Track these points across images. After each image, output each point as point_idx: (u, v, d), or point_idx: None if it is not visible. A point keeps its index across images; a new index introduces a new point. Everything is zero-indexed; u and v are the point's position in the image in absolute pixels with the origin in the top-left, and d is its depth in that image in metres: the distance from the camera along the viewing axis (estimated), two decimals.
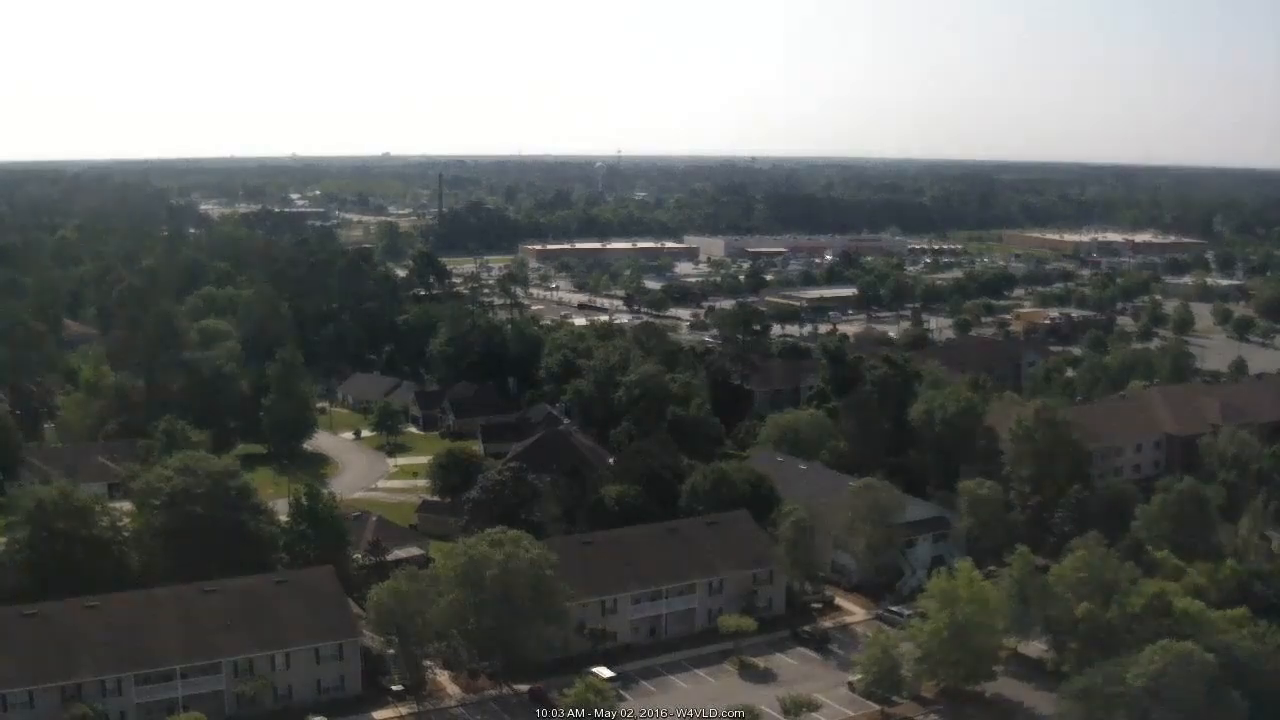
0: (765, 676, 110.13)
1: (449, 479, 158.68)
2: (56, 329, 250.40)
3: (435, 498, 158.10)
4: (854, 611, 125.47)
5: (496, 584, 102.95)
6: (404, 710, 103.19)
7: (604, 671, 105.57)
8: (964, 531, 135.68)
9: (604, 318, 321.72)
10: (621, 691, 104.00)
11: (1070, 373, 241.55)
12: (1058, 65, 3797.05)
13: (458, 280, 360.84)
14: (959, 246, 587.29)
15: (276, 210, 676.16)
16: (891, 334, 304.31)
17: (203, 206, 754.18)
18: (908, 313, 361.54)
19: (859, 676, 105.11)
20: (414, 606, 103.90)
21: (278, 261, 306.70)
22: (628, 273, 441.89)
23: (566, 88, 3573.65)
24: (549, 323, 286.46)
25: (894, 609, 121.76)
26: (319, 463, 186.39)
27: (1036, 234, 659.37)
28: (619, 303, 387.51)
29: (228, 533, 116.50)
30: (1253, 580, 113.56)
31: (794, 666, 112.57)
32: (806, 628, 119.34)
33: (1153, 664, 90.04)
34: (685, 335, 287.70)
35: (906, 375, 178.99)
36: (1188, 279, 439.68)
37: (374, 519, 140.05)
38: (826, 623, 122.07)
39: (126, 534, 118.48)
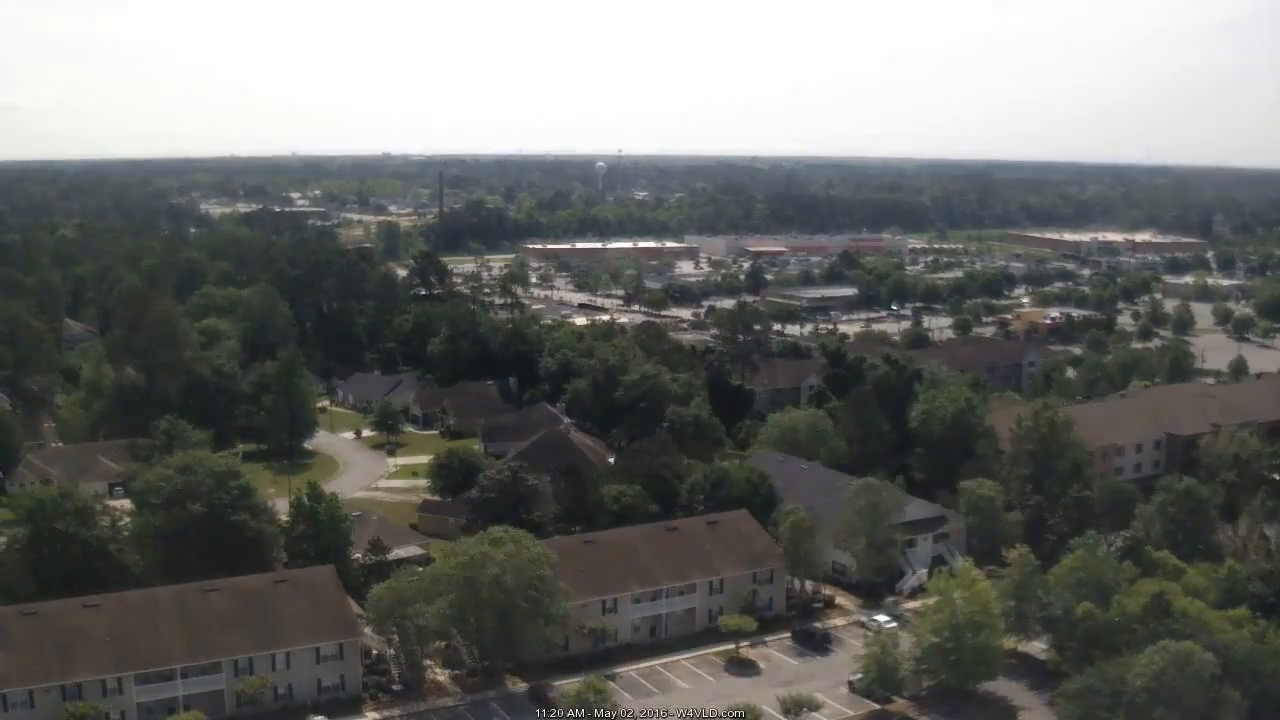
0: (765, 676, 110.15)
1: (449, 479, 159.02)
2: (56, 329, 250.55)
3: (435, 497, 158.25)
4: (854, 611, 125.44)
5: (496, 584, 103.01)
6: (404, 710, 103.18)
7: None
8: (964, 531, 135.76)
9: (604, 318, 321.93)
10: (622, 691, 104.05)
11: (1070, 372, 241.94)
12: (1058, 65, 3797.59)
13: (458, 280, 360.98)
14: (959, 246, 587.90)
15: (277, 210, 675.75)
16: (892, 334, 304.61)
17: (203, 206, 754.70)
18: (908, 312, 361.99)
19: (859, 676, 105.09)
20: (414, 606, 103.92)
21: (278, 261, 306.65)
22: (628, 273, 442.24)
23: (567, 87, 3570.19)
24: (549, 323, 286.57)
25: (877, 618, 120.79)
26: (319, 462, 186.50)
27: (1036, 234, 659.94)
28: (619, 303, 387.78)
29: (228, 533, 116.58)
30: (1252, 580, 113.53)
31: (794, 666, 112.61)
32: (806, 627, 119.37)
33: (1153, 664, 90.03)
34: (685, 335, 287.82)
35: (906, 375, 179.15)
36: (1188, 279, 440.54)
37: (375, 518, 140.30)
38: (826, 622, 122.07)
39: (126, 534, 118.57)
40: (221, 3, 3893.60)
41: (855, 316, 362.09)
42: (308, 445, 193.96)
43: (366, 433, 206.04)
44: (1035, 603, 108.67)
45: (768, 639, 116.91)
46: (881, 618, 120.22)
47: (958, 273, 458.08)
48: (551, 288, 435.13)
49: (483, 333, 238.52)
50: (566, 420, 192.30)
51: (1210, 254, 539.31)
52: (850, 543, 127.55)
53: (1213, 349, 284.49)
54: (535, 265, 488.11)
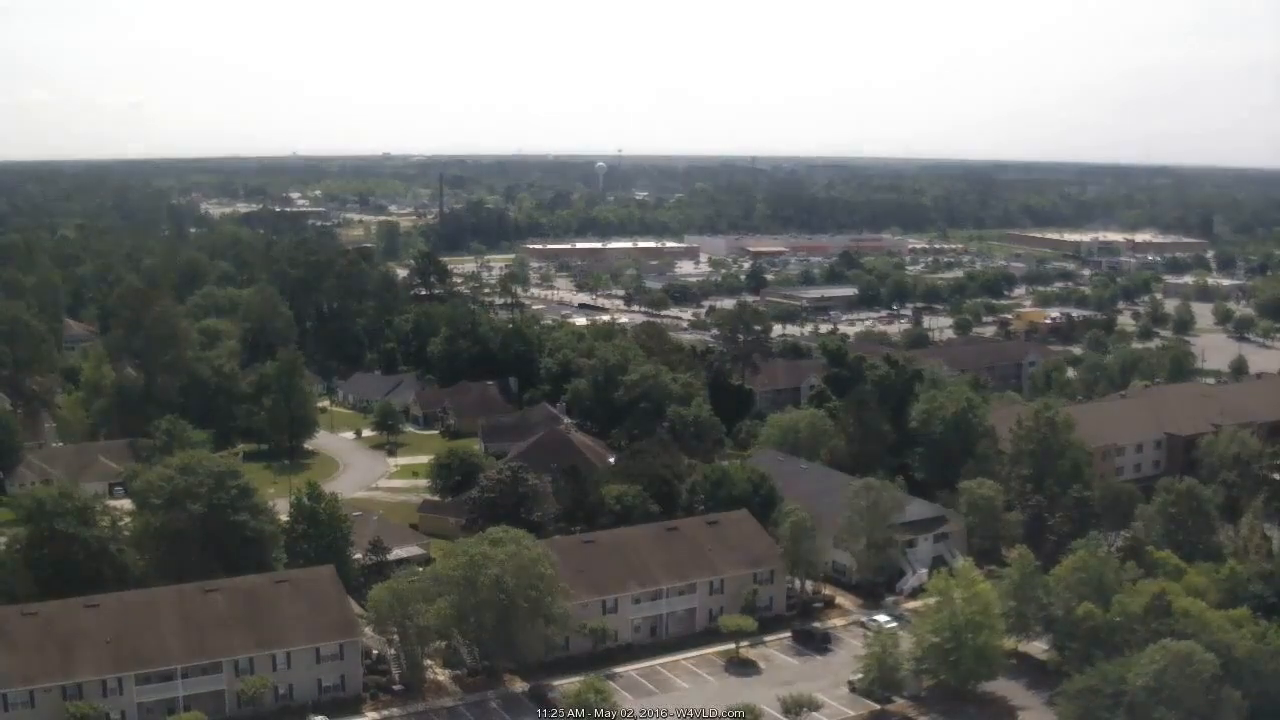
0: (765, 676, 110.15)
1: (449, 479, 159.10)
2: (56, 329, 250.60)
3: (435, 497, 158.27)
4: (854, 611, 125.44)
5: (497, 583, 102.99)
6: (404, 710, 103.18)
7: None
8: (964, 531, 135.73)
9: (604, 318, 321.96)
10: (622, 691, 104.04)
11: (1070, 372, 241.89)
12: (1058, 65, 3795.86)
13: (458, 280, 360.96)
14: (959, 246, 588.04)
15: (277, 210, 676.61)
16: (892, 334, 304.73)
17: (203, 206, 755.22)
18: (908, 312, 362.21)
19: (859, 676, 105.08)
20: (414, 606, 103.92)
21: (278, 261, 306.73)
22: (628, 272, 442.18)
23: (566, 88, 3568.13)
24: (549, 323, 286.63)
25: (877, 618, 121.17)
26: (319, 462, 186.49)
27: (1037, 234, 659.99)
28: (619, 303, 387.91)
29: (228, 533, 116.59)
30: (1253, 580, 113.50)
31: (794, 666, 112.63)
32: (806, 627, 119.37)
33: (1153, 664, 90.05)
34: (685, 335, 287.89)
35: (906, 375, 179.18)
36: (1188, 279, 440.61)
37: (375, 518, 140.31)
38: (826, 622, 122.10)
39: (126, 534, 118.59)
40: (222, 3, 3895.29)
41: (855, 316, 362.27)
42: (308, 445, 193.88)
43: (366, 433, 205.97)
44: (1035, 603, 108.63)
45: (768, 639, 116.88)
46: (881, 618, 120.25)
47: (958, 273, 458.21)
48: (552, 288, 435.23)
49: (483, 333, 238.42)
50: (566, 420, 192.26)
51: (1210, 254, 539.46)
52: (850, 543, 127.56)
53: (1213, 349, 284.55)
54: (535, 265, 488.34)
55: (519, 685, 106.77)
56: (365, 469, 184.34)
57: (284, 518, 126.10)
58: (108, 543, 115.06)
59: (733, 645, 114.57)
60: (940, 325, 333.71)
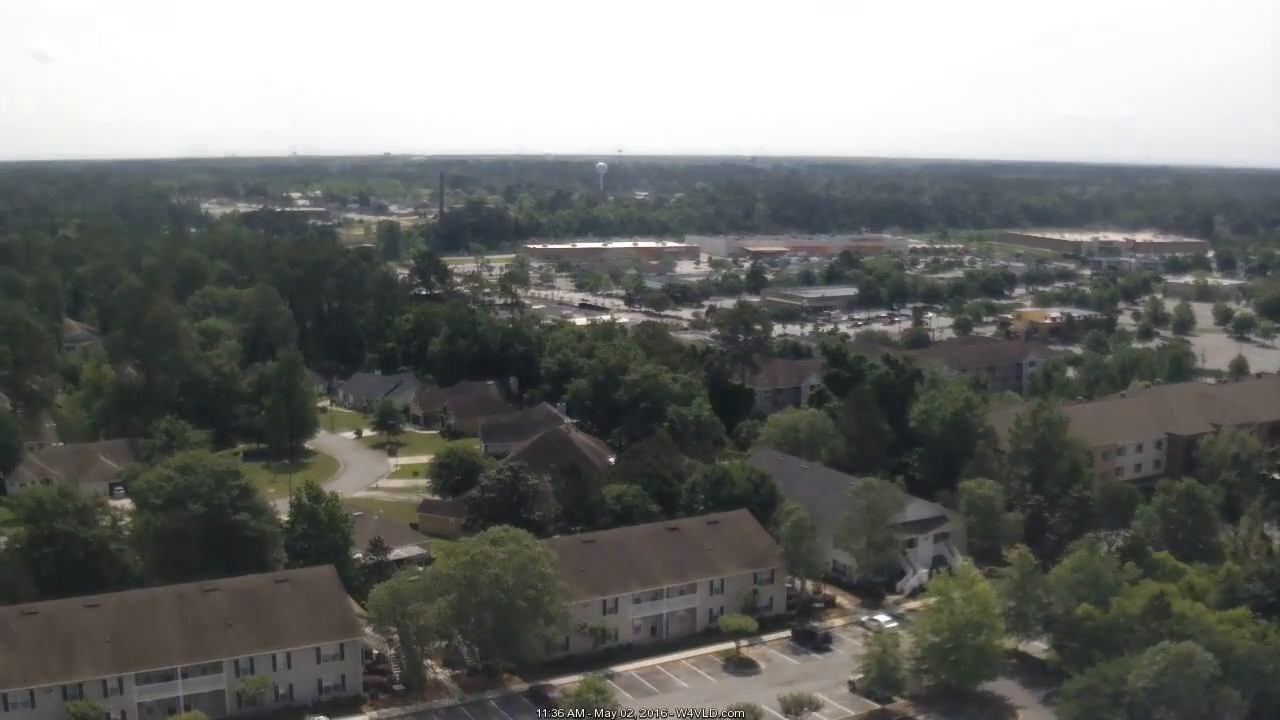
0: (766, 676, 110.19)
1: (450, 478, 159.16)
2: (56, 329, 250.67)
3: (436, 497, 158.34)
4: (854, 611, 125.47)
5: (497, 583, 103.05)
6: (404, 710, 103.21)
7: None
8: (964, 531, 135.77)
9: (604, 318, 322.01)
10: (622, 691, 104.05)
11: (1071, 372, 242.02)
12: (1058, 65, 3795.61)
13: (458, 280, 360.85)
14: (959, 246, 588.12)
15: (277, 209, 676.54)
16: (892, 334, 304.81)
17: (203, 206, 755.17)
18: (908, 312, 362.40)
19: (859, 676, 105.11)
20: (414, 606, 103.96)
21: (278, 261, 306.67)
22: (629, 273, 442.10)
23: (567, 87, 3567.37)
24: (549, 323, 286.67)
25: (877, 618, 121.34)
26: (319, 462, 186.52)
27: (1037, 234, 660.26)
28: (619, 303, 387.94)
29: (228, 533, 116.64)
30: (1253, 580, 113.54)
31: (794, 666, 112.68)
32: (807, 627, 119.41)
33: (1153, 664, 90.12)
34: (685, 335, 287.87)
35: (906, 375, 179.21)
36: (1188, 279, 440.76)
37: (375, 518, 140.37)
38: (826, 622, 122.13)
39: (126, 534, 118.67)
40: (222, 3, 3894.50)
41: (855, 316, 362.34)
42: (308, 445, 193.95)
43: (367, 433, 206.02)
44: (1035, 603, 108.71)
45: (768, 639, 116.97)
46: (882, 618, 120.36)
47: (958, 273, 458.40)
48: (552, 288, 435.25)
49: (483, 333, 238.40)
50: (567, 420, 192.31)
51: (1210, 254, 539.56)
52: (850, 543, 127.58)
53: (1213, 349, 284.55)
54: (535, 265, 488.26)
55: (519, 685, 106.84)
56: (365, 469, 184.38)
57: (284, 518, 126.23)
58: (108, 542, 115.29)
59: (733, 645, 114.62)
60: (940, 325, 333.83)
